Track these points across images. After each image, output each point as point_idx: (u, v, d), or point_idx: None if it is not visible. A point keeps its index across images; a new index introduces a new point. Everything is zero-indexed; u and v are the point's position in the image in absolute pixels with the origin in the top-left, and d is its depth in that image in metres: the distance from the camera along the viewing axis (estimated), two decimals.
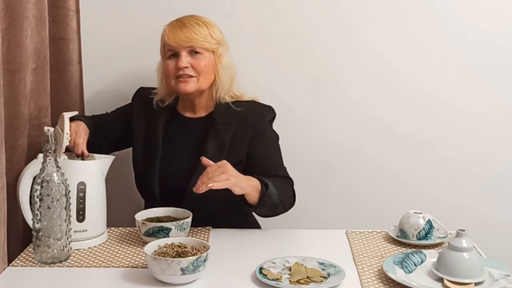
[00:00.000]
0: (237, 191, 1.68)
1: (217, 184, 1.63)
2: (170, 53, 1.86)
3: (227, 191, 1.73)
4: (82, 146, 1.80)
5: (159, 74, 1.94)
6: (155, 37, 2.12)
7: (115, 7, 2.22)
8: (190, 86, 1.85)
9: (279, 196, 1.76)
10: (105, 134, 1.98)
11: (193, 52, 1.84)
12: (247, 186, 1.70)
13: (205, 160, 1.70)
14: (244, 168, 1.86)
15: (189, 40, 1.82)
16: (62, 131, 1.75)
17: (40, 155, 1.63)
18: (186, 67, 1.83)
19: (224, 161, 1.69)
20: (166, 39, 1.84)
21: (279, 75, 2.25)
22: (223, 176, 1.65)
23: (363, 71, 2.25)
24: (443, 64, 2.24)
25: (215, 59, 1.86)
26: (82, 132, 1.82)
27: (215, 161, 1.74)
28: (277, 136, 1.94)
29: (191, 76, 1.84)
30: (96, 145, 1.93)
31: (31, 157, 1.75)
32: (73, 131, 1.79)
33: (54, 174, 1.58)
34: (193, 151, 1.89)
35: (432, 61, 2.23)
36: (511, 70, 2.23)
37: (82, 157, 1.80)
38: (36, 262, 1.60)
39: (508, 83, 2.24)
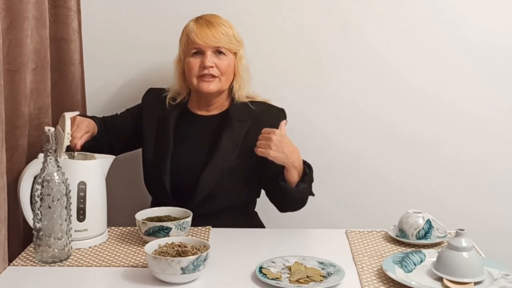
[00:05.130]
0: (286, 163, 1.76)
1: (260, 152, 1.74)
2: (194, 50, 1.87)
3: (234, 190, 1.75)
4: (77, 140, 1.77)
5: (176, 70, 1.95)
6: (156, 37, 2.13)
7: (116, 7, 2.22)
8: (213, 86, 1.88)
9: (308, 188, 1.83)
10: (115, 134, 1.99)
11: (218, 52, 1.87)
12: (289, 162, 1.76)
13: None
14: (257, 167, 1.87)
15: (217, 41, 1.85)
16: (63, 131, 1.75)
17: (41, 155, 1.64)
18: (211, 67, 1.85)
19: (274, 131, 1.74)
20: (194, 37, 1.86)
21: (279, 76, 2.26)
22: (262, 150, 1.74)
23: (363, 72, 2.25)
24: (443, 64, 2.24)
25: (236, 60, 1.90)
26: (83, 128, 1.81)
27: (228, 157, 1.79)
28: None
29: (214, 76, 1.87)
30: (106, 145, 1.95)
31: (31, 157, 1.75)
32: (75, 125, 1.79)
33: (55, 174, 1.58)
34: (205, 147, 1.91)
35: (432, 61, 2.24)
36: (510, 71, 2.23)
37: (73, 151, 1.78)
38: (37, 261, 1.61)
39: (508, 84, 2.24)
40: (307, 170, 1.80)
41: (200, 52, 1.87)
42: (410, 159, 2.30)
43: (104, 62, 2.25)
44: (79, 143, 1.77)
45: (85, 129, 1.82)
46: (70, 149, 1.80)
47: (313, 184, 2.24)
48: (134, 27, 2.23)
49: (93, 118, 1.94)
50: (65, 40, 2.05)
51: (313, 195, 1.87)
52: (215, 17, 1.90)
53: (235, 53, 1.90)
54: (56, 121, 1.85)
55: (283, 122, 1.81)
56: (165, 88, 1.99)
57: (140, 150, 2.01)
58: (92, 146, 1.84)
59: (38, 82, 1.86)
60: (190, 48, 1.88)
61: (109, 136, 1.97)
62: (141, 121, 1.98)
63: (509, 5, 2.20)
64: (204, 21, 1.88)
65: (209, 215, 1.85)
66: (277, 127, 1.90)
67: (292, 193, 1.81)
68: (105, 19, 2.23)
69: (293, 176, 1.77)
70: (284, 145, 1.73)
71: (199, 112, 1.97)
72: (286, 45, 2.24)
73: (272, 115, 1.94)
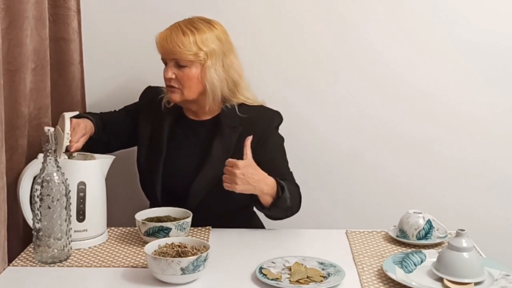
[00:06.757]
0: (253, 192, 1.71)
1: (226, 187, 1.68)
2: (163, 61, 1.85)
3: (226, 197, 1.74)
4: (74, 145, 1.76)
5: None
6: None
7: (116, 7, 2.22)
8: (175, 96, 1.84)
9: (290, 200, 1.76)
10: (113, 131, 1.97)
11: (177, 64, 1.81)
12: (257, 191, 1.71)
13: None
14: None
15: (172, 53, 1.79)
16: (63, 131, 1.75)
17: (40, 155, 1.63)
18: (172, 78, 1.82)
19: (237, 164, 1.67)
20: (157, 47, 1.83)
21: (279, 76, 2.25)
22: (228, 184, 1.68)
23: (363, 72, 2.25)
24: (443, 65, 2.24)
25: (202, 72, 1.81)
26: (80, 131, 1.79)
27: (219, 165, 1.74)
28: (282, 140, 1.93)
29: (176, 87, 1.83)
30: (103, 142, 1.94)
31: (31, 157, 1.75)
32: (71, 128, 1.78)
33: (54, 174, 1.58)
34: (198, 153, 1.89)
35: (432, 61, 2.24)
36: (510, 71, 2.23)
37: (70, 153, 1.78)
38: (36, 262, 1.61)
39: (508, 84, 2.24)
40: (280, 194, 1.73)
41: (166, 63, 1.84)
42: (410, 159, 2.30)
43: (104, 62, 2.25)
44: (75, 146, 1.76)
45: (82, 132, 1.80)
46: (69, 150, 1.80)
47: (312, 184, 2.25)
48: (134, 27, 2.23)
49: (89, 115, 1.93)
50: (65, 40, 2.05)
51: (289, 215, 1.83)
52: (185, 23, 1.83)
53: (201, 64, 1.81)
54: (56, 121, 1.85)
55: (247, 142, 1.72)
56: (163, 88, 1.97)
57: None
58: (89, 144, 1.84)
59: (37, 82, 1.85)
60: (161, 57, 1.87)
61: (106, 133, 1.95)
62: (138, 119, 1.97)
63: (509, 5, 2.20)
64: (166, 30, 1.82)
65: (203, 220, 1.84)
66: (269, 131, 1.89)
67: (266, 214, 1.81)
68: (105, 19, 2.22)
69: (266, 200, 1.74)
70: (248, 177, 1.68)
71: (192, 117, 1.94)
72: (286, 45, 2.24)
73: (265, 119, 1.89)
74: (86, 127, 1.84)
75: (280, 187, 1.73)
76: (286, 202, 1.74)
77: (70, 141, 1.76)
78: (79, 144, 1.78)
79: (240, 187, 1.68)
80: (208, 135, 1.89)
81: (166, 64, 1.84)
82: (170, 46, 1.79)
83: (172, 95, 1.85)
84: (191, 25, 1.82)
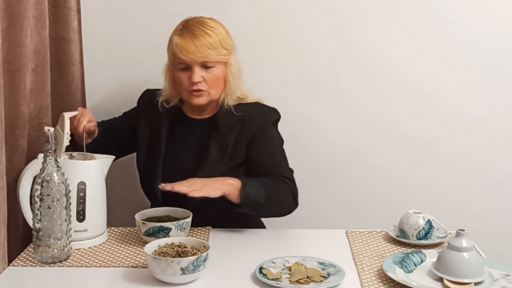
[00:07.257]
0: (214, 194, 1.70)
1: (196, 193, 1.67)
2: (182, 66, 1.83)
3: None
4: (83, 124, 1.79)
5: (166, 78, 1.92)
6: (156, 37, 2.12)
7: (116, 7, 2.22)
8: (203, 99, 1.85)
9: (266, 194, 1.75)
10: (113, 138, 1.98)
11: (206, 65, 1.82)
12: (223, 185, 1.71)
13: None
14: (245, 170, 1.86)
15: (203, 56, 1.80)
16: (63, 131, 1.75)
17: (40, 155, 1.63)
18: (200, 82, 1.82)
19: (183, 182, 1.70)
20: (178, 53, 1.80)
21: (279, 76, 2.25)
22: (200, 191, 1.68)
23: (363, 72, 2.25)
24: (443, 65, 2.24)
25: (226, 69, 1.85)
26: (87, 115, 1.83)
27: (217, 163, 1.74)
28: (281, 139, 1.93)
29: (203, 90, 1.83)
30: (105, 149, 1.93)
31: (31, 157, 1.75)
32: (79, 112, 1.81)
33: (54, 174, 1.58)
34: (196, 152, 1.89)
35: (432, 61, 2.24)
36: (510, 71, 2.23)
37: (77, 150, 1.79)
38: (36, 262, 1.61)
39: (508, 84, 2.24)
40: (247, 190, 1.72)
41: (187, 67, 1.83)
42: (410, 159, 2.30)
43: (104, 62, 2.25)
44: (83, 126, 1.79)
45: (89, 116, 1.83)
46: (69, 149, 1.80)
47: (312, 184, 2.24)
48: (134, 27, 2.23)
49: None
50: (65, 40, 2.05)
51: (275, 211, 1.84)
52: (199, 25, 1.83)
53: (225, 63, 1.84)
54: (56, 121, 1.85)
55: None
56: (161, 90, 1.97)
57: None
58: (92, 150, 1.84)
59: (38, 82, 1.85)
60: (177, 62, 1.84)
61: (107, 140, 1.96)
62: (137, 122, 1.97)
63: (509, 5, 2.20)
64: (189, 33, 1.81)
65: (203, 219, 1.84)
66: (265, 127, 1.89)
67: (244, 212, 1.78)
68: (105, 19, 2.22)
69: (234, 199, 1.74)
70: (205, 180, 1.71)
71: (193, 116, 1.94)
72: (286, 45, 2.24)
73: (261, 115, 1.89)
74: (90, 114, 1.86)
75: (243, 183, 1.73)
76: (250, 197, 1.73)
77: (79, 122, 1.78)
78: (91, 124, 1.82)
79: (213, 185, 1.69)
80: (205, 134, 1.90)
81: (184, 69, 1.83)
82: (200, 49, 1.79)
83: (199, 99, 1.85)
84: (207, 25, 1.83)
